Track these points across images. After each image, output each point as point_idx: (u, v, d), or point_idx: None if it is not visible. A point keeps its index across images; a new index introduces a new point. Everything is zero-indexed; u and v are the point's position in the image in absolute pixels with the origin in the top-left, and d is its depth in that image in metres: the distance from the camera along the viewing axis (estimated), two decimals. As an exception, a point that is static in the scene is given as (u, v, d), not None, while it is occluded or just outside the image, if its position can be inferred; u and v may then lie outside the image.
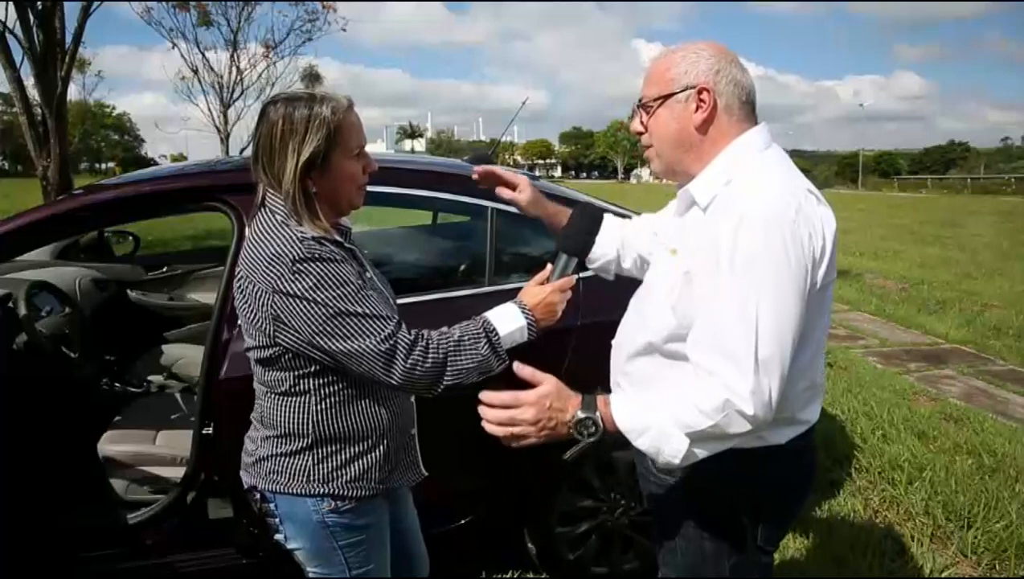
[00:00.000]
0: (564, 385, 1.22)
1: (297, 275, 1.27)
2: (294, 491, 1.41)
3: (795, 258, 1.14)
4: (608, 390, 1.38)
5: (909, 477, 3.30)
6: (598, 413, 1.18)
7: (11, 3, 9.49)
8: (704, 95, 1.26)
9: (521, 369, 1.23)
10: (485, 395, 1.20)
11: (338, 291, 1.28)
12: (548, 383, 1.21)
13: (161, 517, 2.14)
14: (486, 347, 1.36)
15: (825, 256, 1.19)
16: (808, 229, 1.16)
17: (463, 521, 2.34)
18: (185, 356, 3.14)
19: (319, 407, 1.39)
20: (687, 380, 1.20)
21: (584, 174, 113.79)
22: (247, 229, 1.44)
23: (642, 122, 1.34)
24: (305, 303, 1.27)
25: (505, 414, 1.18)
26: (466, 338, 1.36)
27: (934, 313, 7.25)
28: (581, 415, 1.18)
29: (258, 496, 1.46)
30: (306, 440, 1.39)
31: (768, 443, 1.28)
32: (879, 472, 3.41)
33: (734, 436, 1.16)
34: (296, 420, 1.39)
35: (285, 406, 1.39)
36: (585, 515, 2.45)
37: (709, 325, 1.19)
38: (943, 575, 2.63)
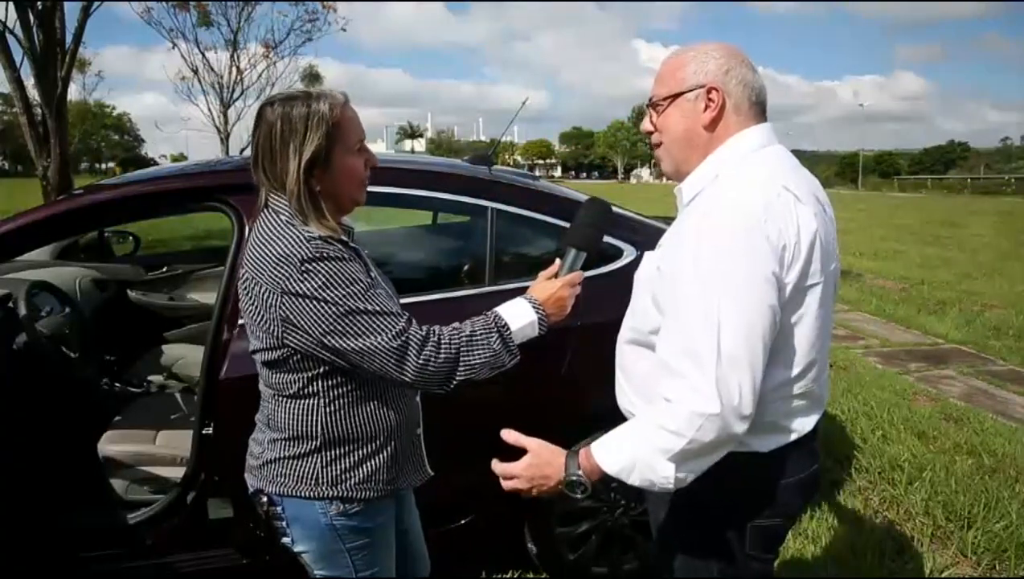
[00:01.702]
0: (548, 447, 1.26)
1: (306, 275, 1.26)
2: (302, 494, 1.39)
3: (760, 255, 1.13)
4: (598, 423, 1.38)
5: (909, 477, 3.30)
6: (581, 471, 1.20)
7: (11, 3, 9.49)
8: (713, 94, 1.26)
9: (507, 434, 1.28)
10: (494, 466, 1.29)
11: (348, 289, 1.27)
12: (531, 451, 1.26)
13: (161, 517, 2.14)
14: (498, 342, 1.35)
15: (799, 256, 1.16)
16: (776, 226, 1.14)
17: (463, 521, 2.33)
18: (185, 356, 3.14)
19: (328, 410, 1.38)
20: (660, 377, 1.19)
21: (584, 174, 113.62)
22: (249, 230, 1.43)
23: (652, 121, 1.34)
24: (315, 303, 1.25)
25: (508, 485, 1.28)
26: (478, 333, 1.35)
27: (934, 313, 7.24)
28: (566, 478, 1.21)
29: (265, 499, 1.45)
30: (314, 442, 1.38)
31: (749, 449, 1.25)
32: (879, 472, 3.41)
33: (715, 444, 1.13)
34: (305, 423, 1.38)
35: (293, 409, 1.38)
36: (585, 515, 2.45)
37: (674, 322, 1.19)
38: (943, 575, 2.63)
